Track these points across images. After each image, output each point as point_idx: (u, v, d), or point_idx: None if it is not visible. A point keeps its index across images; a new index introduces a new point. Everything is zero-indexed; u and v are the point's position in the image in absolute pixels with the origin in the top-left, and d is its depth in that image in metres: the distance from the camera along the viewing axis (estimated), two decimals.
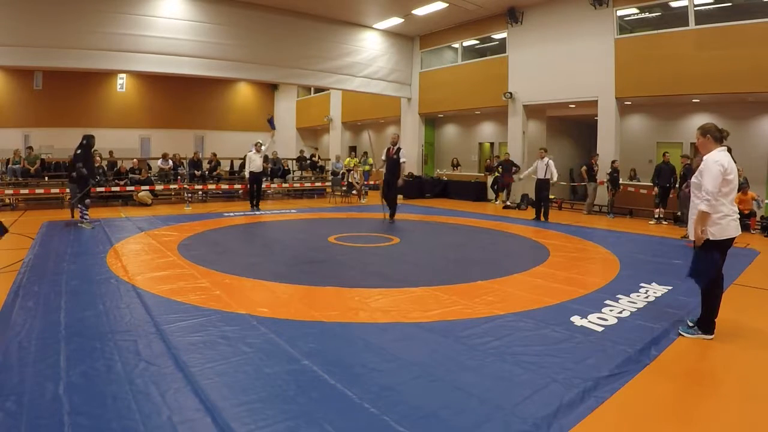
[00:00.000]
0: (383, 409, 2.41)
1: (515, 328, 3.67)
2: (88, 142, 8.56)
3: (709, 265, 3.50)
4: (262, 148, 11.82)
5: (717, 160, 3.42)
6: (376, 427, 2.28)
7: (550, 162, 10.49)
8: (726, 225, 3.46)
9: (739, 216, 3.64)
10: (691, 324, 3.64)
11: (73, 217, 9.54)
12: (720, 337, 3.55)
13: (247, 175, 11.72)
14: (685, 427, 2.41)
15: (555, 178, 10.44)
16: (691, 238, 3.57)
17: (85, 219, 8.53)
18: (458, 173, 17.02)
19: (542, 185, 10.46)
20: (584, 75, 12.35)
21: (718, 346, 3.45)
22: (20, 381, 2.67)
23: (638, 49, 11.49)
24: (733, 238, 3.55)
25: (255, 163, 11.55)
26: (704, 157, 3.52)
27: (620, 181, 11.38)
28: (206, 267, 5.49)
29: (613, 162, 11.37)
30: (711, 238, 3.45)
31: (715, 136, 3.56)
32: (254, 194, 11.74)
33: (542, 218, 10.36)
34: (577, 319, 3.86)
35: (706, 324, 3.56)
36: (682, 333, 3.58)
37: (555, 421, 2.35)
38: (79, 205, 8.69)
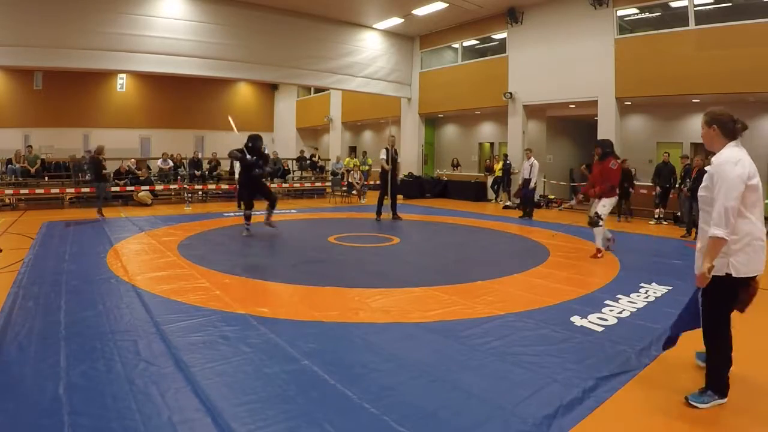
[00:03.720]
0: (383, 409, 2.41)
1: (515, 328, 3.67)
2: (254, 145, 7.57)
3: (717, 314, 2.52)
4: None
5: (735, 161, 2.42)
6: (376, 427, 2.28)
7: (535, 163, 10.88)
8: (755, 253, 2.45)
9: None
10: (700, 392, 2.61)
11: (100, 214, 9.76)
12: None
13: (237, 175, 11.78)
14: (686, 427, 2.41)
15: (534, 180, 10.78)
16: (697, 272, 2.49)
17: (247, 226, 7.74)
18: (458, 173, 17.02)
19: (527, 185, 10.89)
20: (584, 75, 12.34)
21: None
22: (20, 381, 2.67)
23: (638, 49, 11.49)
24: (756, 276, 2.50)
25: None
26: (714, 159, 2.54)
27: (633, 182, 10.86)
28: (206, 267, 5.49)
29: (623, 162, 11.09)
30: (734, 274, 2.43)
31: (727, 127, 2.55)
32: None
33: (531, 217, 10.62)
34: (577, 319, 3.86)
35: (716, 385, 2.58)
36: (692, 402, 2.56)
37: (555, 421, 2.35)
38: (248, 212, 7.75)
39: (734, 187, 2.35)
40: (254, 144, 7.57)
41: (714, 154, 2.61)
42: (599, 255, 6.33)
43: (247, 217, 7.71)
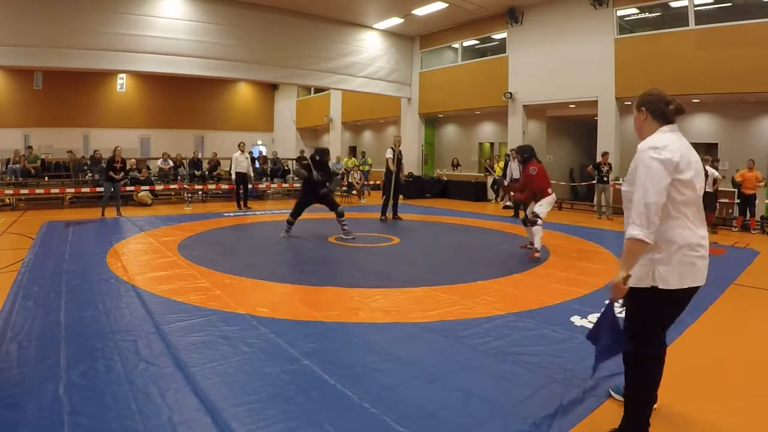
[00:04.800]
0: (383, 409, 2.41)
1: (515, 328, 3.67)
2: (321, 159, 7.28)
3: (643, 335, 2.08)
4: (259, 147, 11.89)
5: (661, 147, 1.99)
6: (376, 427, 2.28)
7: None
8: (690, 264, 1.99)
9: (706, 242, 2.05)
10: None
11: (103, 215, 9.84)
12: (720, 334, 3.55)
13: (233, 176, 11.80)
14: (686, 427, 2.41)
15: None
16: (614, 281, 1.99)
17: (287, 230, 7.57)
18: (458, 173, 17.03)
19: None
20: (584, 75, 12.34)
21: (716, 344, 3.44)
22: (20, 381, 2.67)
23: (638, 49, 11.49)
24: (696, 288, 2.05)
25: (242, 164, 11.68)
26: (639, 146, 2.13)
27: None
28: (206, 267, 5.49)
29: None
30: (661, 286, 1.97)
31: (657, 109, 2.16)
32: (241, 195, 11.84)
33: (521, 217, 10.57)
34: (577, 319, 3.86)
35: (634, 427, 2.15)
36: None
37: (555, 421, 2.35)
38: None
39: (657, 178, 1.93)
40: (322, 158, 7.21)
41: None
42: (536, 254, 6.17)
43: (290, 224, 7.52)
